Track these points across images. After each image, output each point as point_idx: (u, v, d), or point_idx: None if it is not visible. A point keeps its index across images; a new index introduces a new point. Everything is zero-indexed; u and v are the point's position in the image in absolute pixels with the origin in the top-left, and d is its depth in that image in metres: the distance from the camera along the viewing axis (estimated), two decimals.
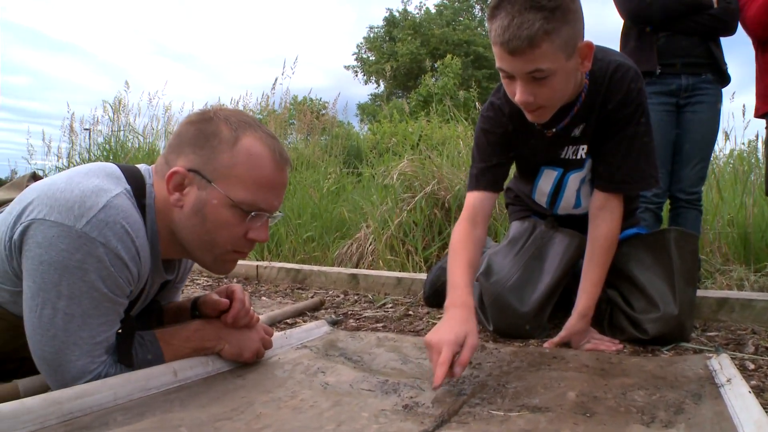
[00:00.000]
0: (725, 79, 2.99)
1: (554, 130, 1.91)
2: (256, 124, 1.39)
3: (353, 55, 40.39)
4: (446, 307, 1.66)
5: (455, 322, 1.52)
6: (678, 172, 2.97)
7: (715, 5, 2.81)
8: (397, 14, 37.31)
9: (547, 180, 2.11)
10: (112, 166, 1.35)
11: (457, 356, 1.42)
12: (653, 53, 2.89)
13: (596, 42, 1.89)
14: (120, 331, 1.32)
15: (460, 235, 1.90)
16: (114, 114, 7.51)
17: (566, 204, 2.15)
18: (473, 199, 1.99)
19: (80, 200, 1.19)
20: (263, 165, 1.34)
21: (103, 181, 1.26)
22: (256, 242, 1.41)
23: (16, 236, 1.21)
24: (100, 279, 1.21)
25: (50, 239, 1.17)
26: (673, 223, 2.99)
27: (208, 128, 1.34)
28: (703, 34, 2.87)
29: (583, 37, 1.64)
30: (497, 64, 1.66)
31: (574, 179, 2.05)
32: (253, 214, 1.35)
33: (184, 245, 1.39)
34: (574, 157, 1.99)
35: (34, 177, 1.59)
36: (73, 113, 7.72)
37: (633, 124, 1.85)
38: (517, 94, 1.66)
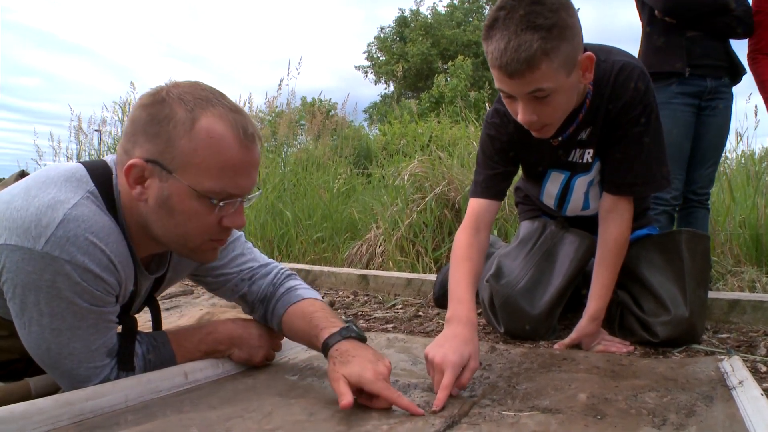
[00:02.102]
0: (739, 76, 2.99)
1: (560, 139, 1.90)
2: (215, 98, 1.24)
3: (364, 53, 40.37)
4: (449, 319, 1.61)
5: (459, 341, 1.47)
6: (691, 174, 2.97)
7: (733, 5, 2.80)
8: (407, 15, 37.25)
9: (554, 183, 2.10)
10: (75, 167, 1.26)
11: (457, 378, 1.38)
12: (682, 54, 2.86)
13: (603, 42, 1.88)
14: (121, 333, 1.32)
15: (463, 242, 1.88)
16: (123, 115, 7.52)
17: (574, 206, 2.13)
18: (477, 206, 1.97)
19: (36, 219, 1.13)
20: (227, 147, 1.20)
21: (61, 191, 1.18)
22: (232, 229, 1.31)
23: None
24: (76, 294, 1.16)
25: (16, 263, 1.13)
26: (683, 222, 2.98)
27: (161, 112, 1.20)
28: (723, 35, 2.87)
29: (583, 49, 1.62)
30: (497, 85, 1.63)
31: (581, 182, 2.04)
32: (221, 204, 1.23)
33: (158, 240, 1.29)
34: (581, 161, 1.97)
35: (22, 176, 1.56)
36: (79, 114, 7.72)
37: (641, 125, 1.82)
38: (520, 114, 1.64)
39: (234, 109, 1.25)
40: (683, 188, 2.97)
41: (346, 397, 1.19)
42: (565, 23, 1.51)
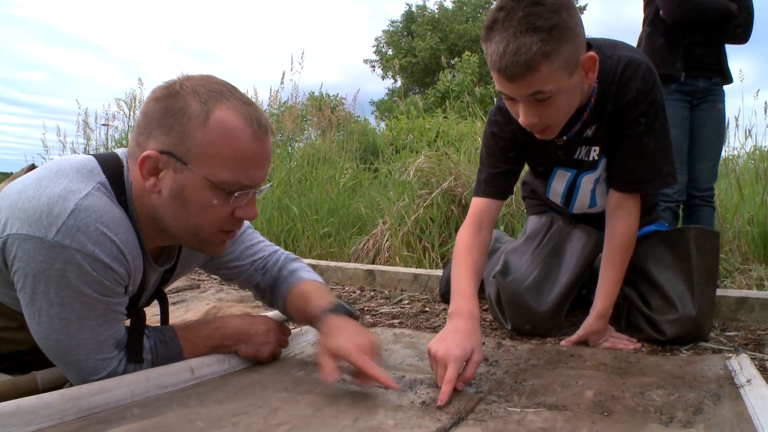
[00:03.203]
0: (728, 80, 3.09)
1: (565, 138, 1.88)
2: (228, 91, 1.26)
3: (373, 47, 40.40)
4: (451, 314, 1.62)
5: (462, 335, 1.47)
6: (692, 170, 3.04)
7: (736, 13, 2.85)
8: (414, 9, 37.21)
9: (560, 181, 2.09)
10: (86, 159, 1.28)
11: (461, 372, 1.38)
12: (680, 58, 2.94)
13: (609, 36, 1.86)
14: (130, 325, 1.32)
15: (465, 240, 1.88)
16: (129, 110, 7.54)
17: (581, 204, 2.12)
18: (479, 204, 1.96)
19: (47, 209, 1.14)
20: (240, 138, 1.22)
21: (72, 181, 1.19)
22: (244, 220, 1.34)
23: None
24: (86, 284, 1.17)
25: (27, 253, 1.14)
26: (688, 220, 3.04)
27: (175, 104, 1.22)
28: (722, 40, 2.97)
29: (585, 48, 1.59)
30: (497, 87, 1.61)
31: (587, 180, 2.03)
32: (237, 194, 1.26)
33: (169, 231, 1.31)
34: (586, 159, 1.96)
35: (31, 170, 1.56)
36: (86, 109, 7.75)
37: (647, 122, 1.80)
38: (521, 117, 1.62)
39: (247, 102, 1.28)
40: (686, 185, 3.03)
41: (326, 372, 1.29)
42: (566, 24, 1.48)
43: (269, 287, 1.67)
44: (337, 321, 1.44)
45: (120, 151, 1.35)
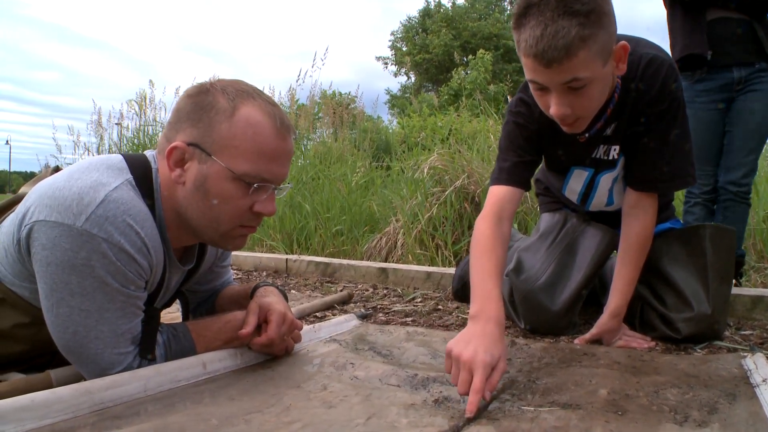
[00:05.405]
0: None
1: (587, 135, 1.85)
2: (255, 92, 1.34)
3: (389, 41, 40.49)
4: (476, 315, 1.48)
5: (489, 341, 1.35)
6: (727, 163, 2.82)
7: None
8: (432, 6, 37.25)
9: (577, 180, 2.08)
10: (116, 158, 1.33)
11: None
12: (702, 33, 2.71)
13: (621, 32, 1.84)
14: (144, 321, 1.33)
15: (486, 233, 1.77)
16: (140, 109, 7.59)
17: (598, 202, 2.11)
18: (501, 193, 1.88)
19: (78, 197, 1.17)
20: (264, 134, 1.30)
21: (103, 175, 1.24)
22: (263, 216, 1.38)
23: (23, 239, 1.21)
24: (109, 274, 1.19)
25: (53, 240, 1.17)
26: (719, 216, 2.84)
27: (204, 100, 1.30)
28: (753, 10, 2.69)
29: (616, 39, 1.56)
30: (528, 77, 1.57)
31: (606, 179, 2.01)
32: (256, 186, 1.31)
33: (190, 224, 1.35)
34: (605, 158, 1.94)
35: (57, 171, 1.59)
36: (99, 108, 7.79)
37: (668, 121, 1.78)
38: (553, 107, 1.57)
39: (272, 103, 1.36)
40: (719, 178, 2.84)
41: (250, 326, 1.45)
42: (602, 9, 1.45)
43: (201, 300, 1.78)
44: (273, 291, 1.62)
45: (149, 153, 1.40)
